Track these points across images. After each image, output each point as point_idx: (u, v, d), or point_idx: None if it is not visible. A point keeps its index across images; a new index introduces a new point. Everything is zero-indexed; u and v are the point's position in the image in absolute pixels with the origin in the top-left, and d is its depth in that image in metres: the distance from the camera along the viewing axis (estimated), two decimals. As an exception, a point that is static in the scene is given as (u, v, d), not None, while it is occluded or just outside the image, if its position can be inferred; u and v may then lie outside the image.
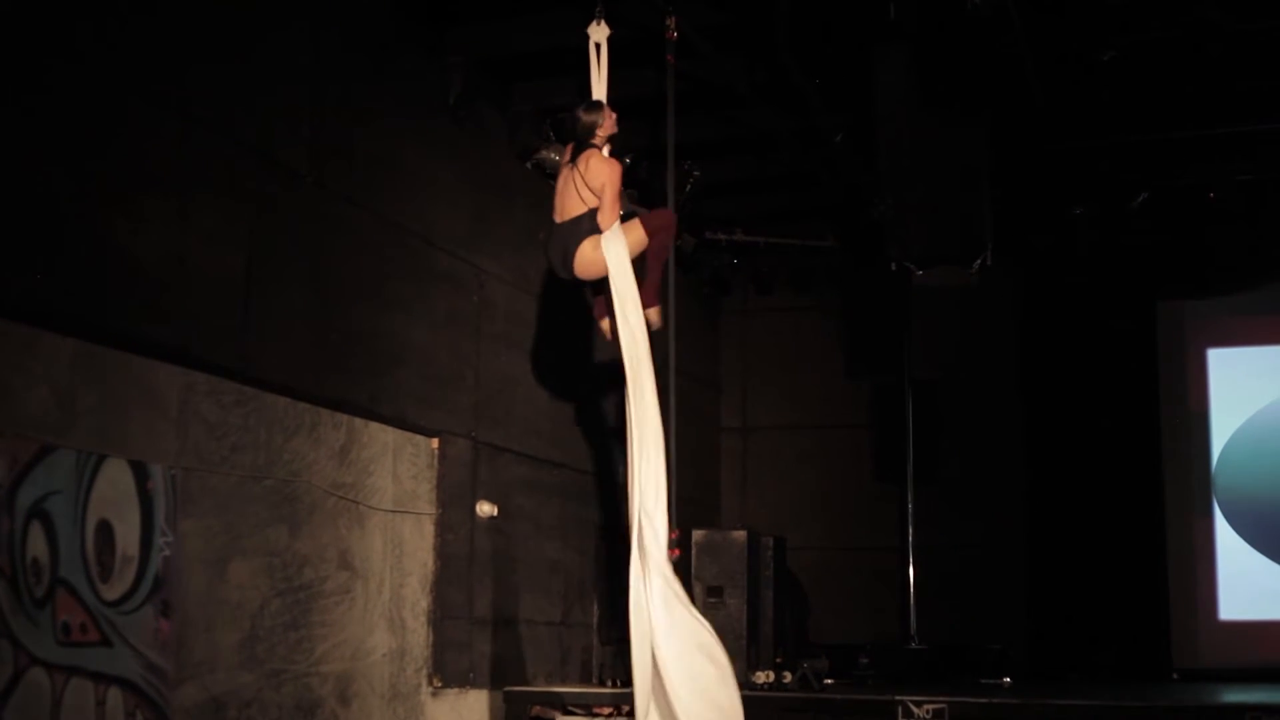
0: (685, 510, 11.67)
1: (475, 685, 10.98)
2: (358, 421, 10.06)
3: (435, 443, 10.92)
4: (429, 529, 10.82)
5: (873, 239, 12.29)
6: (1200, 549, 15.05)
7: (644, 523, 8.38)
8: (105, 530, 7.76)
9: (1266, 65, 11.24)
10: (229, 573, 8.69)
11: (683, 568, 12.31)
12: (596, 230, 8.55)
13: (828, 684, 11.96)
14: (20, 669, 7.18)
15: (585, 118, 8.67)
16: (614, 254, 8.50)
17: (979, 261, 10.91)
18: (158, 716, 8.01)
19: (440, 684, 10.70)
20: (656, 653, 8.19)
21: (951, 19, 9.91)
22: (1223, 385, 15.35)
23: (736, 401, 17.03)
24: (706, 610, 12.46)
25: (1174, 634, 14.79)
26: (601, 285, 8.79)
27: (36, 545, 7.34)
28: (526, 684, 11.61)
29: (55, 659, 7.40)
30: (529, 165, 12.09)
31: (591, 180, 8.48)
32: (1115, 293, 15.36)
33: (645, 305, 8.66)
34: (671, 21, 9.61)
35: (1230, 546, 14.99)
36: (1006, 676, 13.29)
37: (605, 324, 9.01)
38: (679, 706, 8.12)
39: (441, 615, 10.78)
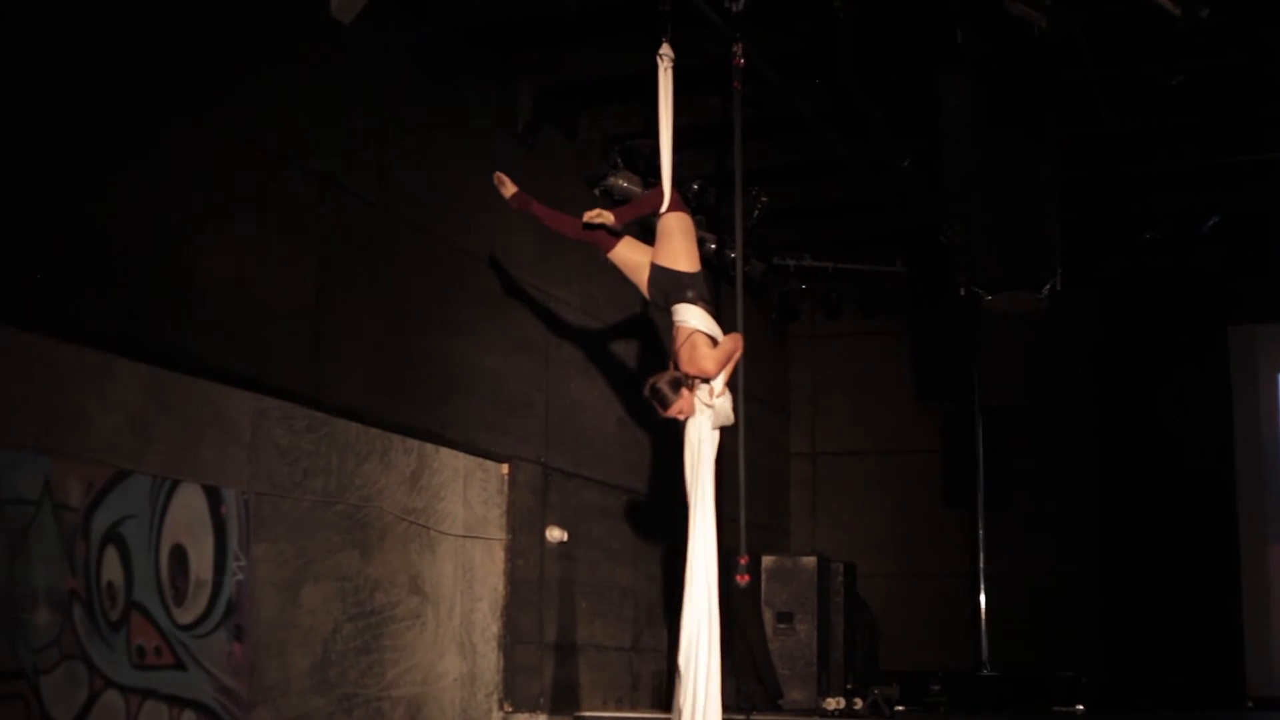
0: (755, 536, 11.70)
1: (546, 710, 10.99)
2: (428, 447, 10.11)
3: (505, 468, 10.96)
4: (499, 554, 10.86)
5: (941, 264, 12.28)
6: (1275, 575, 14.94)
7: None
8: (179, 554, 7.83)
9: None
10: (301, 597, 8.75)
11: (753, 593, 12.35)
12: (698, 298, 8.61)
13: (899, 711, 11.94)
14: (95, 692, 7.25)
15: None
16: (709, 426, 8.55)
17: (1048, 287, 10.88)
18: (231, 739, 8.08)
19: (511, 709, 10.71)
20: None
21: (1018, 43, 9.90)
22: (1296, 410, 15.25)
23: (805, 427, 17.02)
24: (776, 636, 12.51)
25: (1248, 661, 14.66)
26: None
27: (112, 569, 7.41)
28: (597, 709, 11.61)
29: (130, 682, 7.45)
30: (596, 192, 12.13)
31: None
32: (1186, 317, 15.27)
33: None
34: (738, 48, 9.66)
35: (1305, 572, 14.89)
36: (1079, 704, 13.22)
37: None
38: None
39: (512, 640, 10.81)
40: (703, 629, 8.39)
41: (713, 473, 8.47)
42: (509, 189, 9.21)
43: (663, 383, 8.38)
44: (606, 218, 8.75)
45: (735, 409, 8.84)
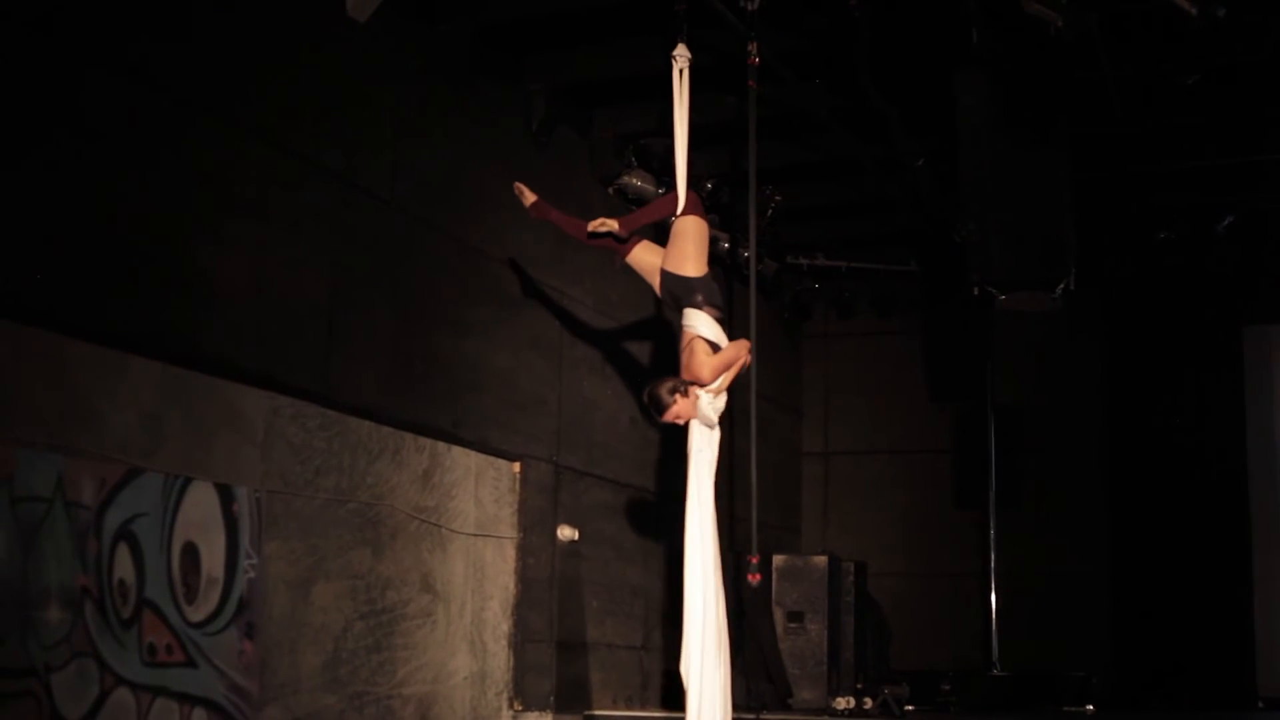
0: (766, 535, 11.68)
1: (556, 709, 10.99)
2: (440, 445, 10.11)
3: (517, 467, 10.96)
4: (510, 553, 10.86)
5: (955, 263, 12.24)
6: (1287, 576, 14.91)
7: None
8: (191, 552, 7.83)
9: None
10: (312, 595, 8.75)
11: (763, 593, 12.34)
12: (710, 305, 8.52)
13: (909, 710, 11.92)
14: (106, 689, 7.25)
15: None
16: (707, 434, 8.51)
17: (1062, 286, 10.85)
18: (242, 737, 8.08)
19: (521, 707, 10.71)
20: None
21: (1033, 43, 9.88)
22: (1310, 410, 15.22)
23: (818, 426, 17.00)
24: (786, 635, 12.50)
25: (1259, 661, 14.61)
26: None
27: (123, 567, 7.42)
28: (607, 708, 11.61)
29: (141, 679, 7.46)
30: (610, 191, 12.13)
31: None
32: (1200, 317, 15.23)
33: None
34: (753, 47, 9.65)
35: (1317, 573, 14.85)
36: (1090, 704, 13.19)
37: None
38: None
39: (522, 639, 10.81)
40: (695, 630, 8.33)
41: (712, 474, 8.42)
42: (529, 198, 9.17)
43: (659, 389, 8.33)
44: (610, 225, 8.67)
45: (747, 409, 8.82)
